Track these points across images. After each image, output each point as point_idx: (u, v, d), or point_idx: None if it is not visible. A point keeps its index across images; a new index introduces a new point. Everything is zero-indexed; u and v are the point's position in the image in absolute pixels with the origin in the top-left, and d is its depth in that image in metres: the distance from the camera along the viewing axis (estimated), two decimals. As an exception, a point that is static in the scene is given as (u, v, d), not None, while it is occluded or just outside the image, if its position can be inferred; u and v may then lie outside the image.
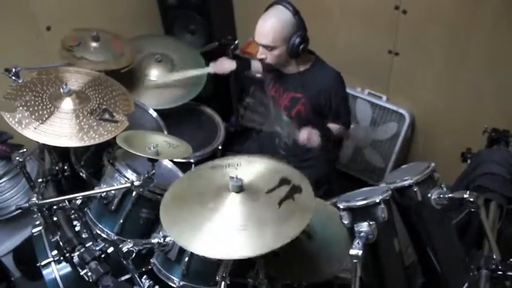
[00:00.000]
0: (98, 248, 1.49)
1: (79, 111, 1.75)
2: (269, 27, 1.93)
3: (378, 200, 1.33)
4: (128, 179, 1.69)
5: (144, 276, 1.51)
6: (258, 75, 2.43)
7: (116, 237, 1.73)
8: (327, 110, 2.09)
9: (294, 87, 2.11)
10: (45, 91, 1.79)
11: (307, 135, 1.98)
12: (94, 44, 2.28)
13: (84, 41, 2.26)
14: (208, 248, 1.23)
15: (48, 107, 1.73)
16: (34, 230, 1.87)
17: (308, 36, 1.98)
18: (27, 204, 1.64)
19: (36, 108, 1.71)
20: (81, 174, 2.00)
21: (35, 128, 1.64)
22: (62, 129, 1.68)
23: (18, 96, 1.74)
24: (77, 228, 1.75)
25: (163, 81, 2.50)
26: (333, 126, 2.15)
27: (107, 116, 1.78)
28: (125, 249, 1.41)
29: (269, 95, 2.27)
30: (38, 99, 1.75)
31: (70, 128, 1.69)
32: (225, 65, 2.42)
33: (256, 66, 2.48)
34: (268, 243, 1.23)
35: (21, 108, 1.69)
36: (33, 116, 1.67)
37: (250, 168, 1.49)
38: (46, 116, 1.69)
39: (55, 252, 1.73)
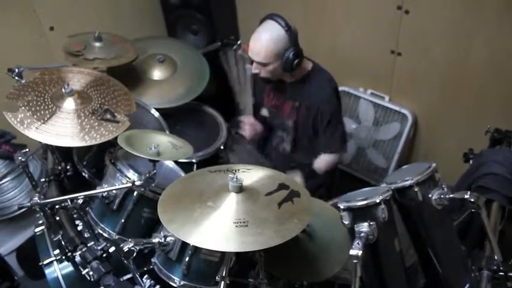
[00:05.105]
0: (99, 248, 1.50)
1: (81, 111, 1.76)
2: (261, 45, 1.93)
3: (378, 200, 1.33)
4: (129, 178, 1.69)
5: (145, 276, 1.51)
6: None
7: (117, 237, 1.73)
8: (318, 122, 2.09)
9: (292, 96, 2.13)
10: (47, 91, 1.80)
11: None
12: (98, 44, 2.29)
13: (88, 43, 2.28)
14: (208, 241, 1.23)
15: (50, 107, 1.74)
16: (36, 230, 1.87)
17: (302, 50, 1.97)
18: (29, 204, 1.65)
19: (38, 108, 1.72)
20: (83, 174, 2.00)
21: (37, 128, 1.65)
22: (63, 129, 1.69)
23: (21, 96, 1.75)
24: (79, 228, 1.76)
25: None
26: (320, 162, 2.17)
27: (108, 116, 1.78)
28: (125, 248, 1.40)
29: (268, 103, 2.28)
30: (40, 99, 1.75)
31: (71, 128, 1.70)
32: (256, 127, 2.32)
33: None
34: (269, 239, 1.23)
35: (23, 108, 1.70)
36: (35, 116, 1.68)
37: (249, 174, 1.50)
38: (48, 116, 1.70)
39: (57, 251, 1.74)
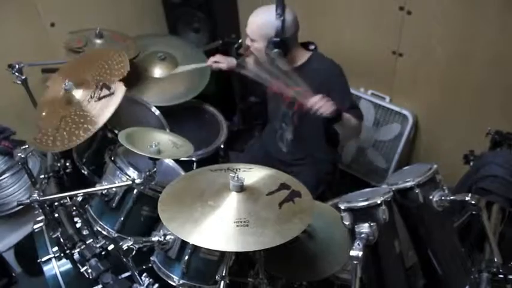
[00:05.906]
0: (98, 245, 1.49)
1: (86, 100, 1.78)
2: (253, 21, 2.05)
3: (379, 201, 1.33)
4: (129, 176, 1.68)
5: (144, 274, 1.50)
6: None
7: (116, 235, 1.73)
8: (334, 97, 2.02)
9: (294, 82, 2.11)
10: (58, 110, 1.84)
11: (319, 100, 1.87)
12: (99, 41, 2.30)
13: (89, 40, 2.27)
14: (209, 241, 1.24)
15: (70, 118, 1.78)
16: (35, 226, 1.86)
17: (287, 44, 2.01)
18: (28, 200, 1.64)
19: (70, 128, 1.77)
20: (82, 171, 2.00)
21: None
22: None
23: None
24: (78, 225, 1.75)
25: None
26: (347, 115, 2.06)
27: (104, 92, 1.77)
28: (124, 246, 1.40)
29: (271, 92, 2.27)
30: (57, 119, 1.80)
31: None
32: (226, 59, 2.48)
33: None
34: (270, 239, 1.23)
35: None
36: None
37: (250, 173, 1.50)
38: (81, 123, 1.75)
39: (56, 248, 1.73)
